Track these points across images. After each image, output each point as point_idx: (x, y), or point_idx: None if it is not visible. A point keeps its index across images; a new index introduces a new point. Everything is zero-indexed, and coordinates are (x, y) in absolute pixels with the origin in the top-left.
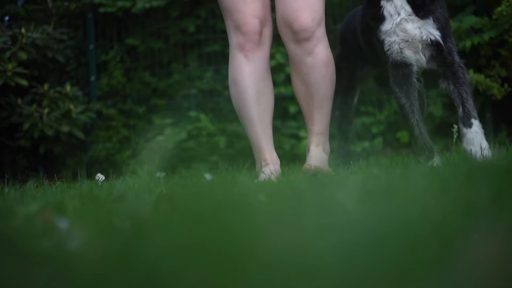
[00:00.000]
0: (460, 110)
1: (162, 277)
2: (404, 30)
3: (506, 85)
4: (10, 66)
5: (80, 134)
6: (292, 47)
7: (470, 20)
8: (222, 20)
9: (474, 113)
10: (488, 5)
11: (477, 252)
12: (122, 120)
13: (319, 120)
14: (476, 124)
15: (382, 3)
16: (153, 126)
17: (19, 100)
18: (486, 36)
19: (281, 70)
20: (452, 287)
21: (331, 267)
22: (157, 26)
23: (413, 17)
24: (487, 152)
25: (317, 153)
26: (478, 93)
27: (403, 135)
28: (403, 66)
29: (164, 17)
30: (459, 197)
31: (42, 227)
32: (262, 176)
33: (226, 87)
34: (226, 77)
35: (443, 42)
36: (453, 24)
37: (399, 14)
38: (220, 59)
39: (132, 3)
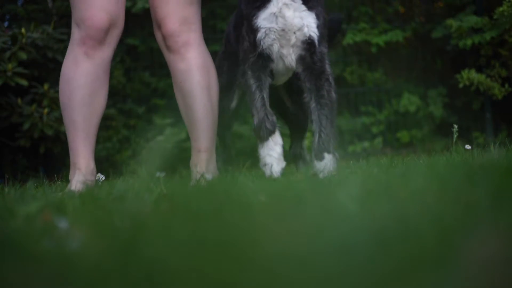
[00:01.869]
0: (316, 138)
1: (162, 277)
2: (283, 16)
3: (506, 85)
4: (10, 66)
5: None
6: (166, 53)
7: (470, 20)
8: (222, 20)
9: (329, 146)
10: (488, 5)
11: (477, 252)
12: (122, 120)
13: (200, 135)
14: (328, 158)
15: None
16: (153, 126)
17: (19, 100)
18: (487, 36)
19: None
20: (452, 286)
21: (331, 266)
22: None
23: (298, 4)
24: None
25: (199, 175)
26: (479, 93)
27: (403, 135)
28: (267, 59)
29: None
30: (459, 197)
31: (42, 227)
32: (69, 186)
33: None
34: None
35: (318, 44)
36: (454, 24)
37: None
38: None
39: (132, 3)
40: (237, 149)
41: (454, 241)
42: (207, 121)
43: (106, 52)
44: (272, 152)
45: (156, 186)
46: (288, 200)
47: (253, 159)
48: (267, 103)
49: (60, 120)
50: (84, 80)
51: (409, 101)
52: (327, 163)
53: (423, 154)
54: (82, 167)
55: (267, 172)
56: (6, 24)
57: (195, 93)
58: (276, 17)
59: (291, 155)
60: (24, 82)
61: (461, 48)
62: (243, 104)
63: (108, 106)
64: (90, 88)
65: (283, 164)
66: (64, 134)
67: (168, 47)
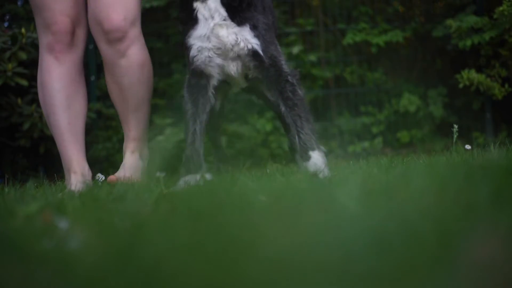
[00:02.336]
0: (296, 140)
1: (162, 277)
2: (217, 36)
3: (506, 85)
4: (10, 66)
5: None
6: (104, 48)
7: (470, 20)
8: None
9: (311, 142)
10: (488, 5)
11: (477, 252)
12: None
13: (135, 125)
14: (314, 156)
15: (195, 5)
16: (153, 126)
17: (19, 100)
18: (487, 36)
19: None
20: (452, 286)
21: (331, 266)
22: (157, 26)
23: (228, 22)
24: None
25: (131, 160)
26: (479, 93)
27: (403, 135)
28: (203, 76)
29: (164, 17)
30: (459, 197)
31: (42, 227)
32: (68, 188)
33: None
34: None
35: (263, 51)
36: (454, 24)
37: (213, 18)
38: None
39: None
40: (237, 149)
41: (454, 241)
42: (142, 112)
43: (75, 54)
44: (185, 182)
45: (156, 186)
46: (288, 200)
47: (253, 159)
48: (198, 138)
49: None
50: (59, 85)
51: (409, 101)
52: (315, 161)
53: (423, 154)
54: (78, 170)
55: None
56: (6, 24)
57: (135, 88)
58: (208, 37)
59: (289, 150)
60: (24, 82)
61: (461, 48)
62: (237, 105)
63: (108, 106)
64: (66, 92)
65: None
66: None
67: (109, 42)
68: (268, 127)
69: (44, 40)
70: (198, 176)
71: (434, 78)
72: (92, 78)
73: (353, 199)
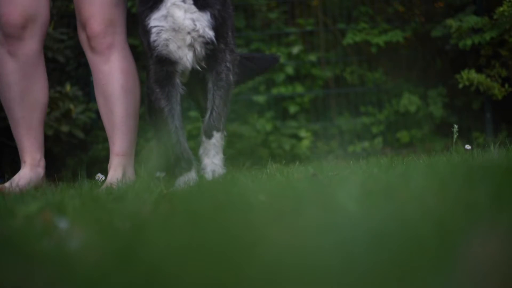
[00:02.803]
0: (207, 115)
1: (162, 277)
2: (172, 16)
3: (506, 85)
4: None
5: (80, 134)
6: (89, 54)
7: (470, 20)
8: None
9: (219, 124)
10: (488, 5)
11: (477, 252)
12: None
13: (119, 139)
14: (217, 137)
15: None
16: None
17: None
18: (487, 36)
19: (281, 70)
20: (452, 287)
21: (331, 267)
22: None
23: (188, 5)
24: (219, 168)
25: (114, 179)
26: (479, 93)
27: (403, 135)
28: (168, 63)
29: None
30: (459, 197)
31: (42, 227)
32: (11, 180)
33: None
34: None
35: (217, 41)
36: (454, 24)
37: None
38: None
39: (132, 3)
40: (237, 149)
41: (454, 241)
42: (128, 125)
43: (28, 47)
44: (185, 182)
45: (156, 186)
46: (288, 200)
47: (253, 159)
48: (181, 134)
49: (60, 120)
50: (12, 78)
51: (409, 101)
52: (215, 142)
53: (423, 154)
54: (28, 160)
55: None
56: None
57: (117, 96)
58: (166, 17)
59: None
60: None
61: (461, 48)
62: (237, 105)
63: None
64: (20, 86)
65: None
66: (64, 134)
67: (92, 48)
68: (268, 127)
69: None
70: (193, 173)
71: (434, 78)
72: (92, 78)
73: (353, 199)
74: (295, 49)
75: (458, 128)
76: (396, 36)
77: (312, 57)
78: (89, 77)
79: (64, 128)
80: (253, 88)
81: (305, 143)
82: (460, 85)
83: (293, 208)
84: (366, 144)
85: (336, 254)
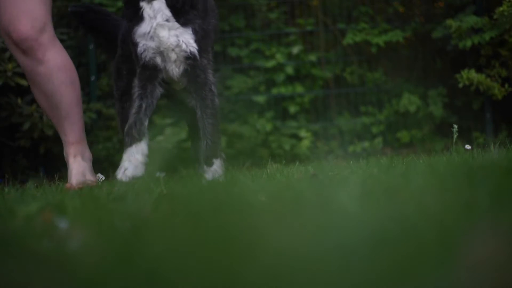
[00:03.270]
0: (204, 145)
1: (162, 277)
2: (158, 37)
3: (506, 85)
4: (10, 66)
5: None
6: (21, 58)
7: (470, 20)
8: (222, 19)
9: (216, 152)
10: (488, 5)
11: (476, 252)
12: None
13: (70, 129)
14: (217, 163)
15: (141, 4)
16: (153, 126)
17: (19, 100)
18: (487, 36)
19: (281, 70)
20: (452, 287)
21: (331, 266)
22: None
23: (172, 23)
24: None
25: (77, 165)
26: (479, 93)
27: (403, 135)
28: (153, 68)
29: None
30: (459, 197)
31: (42, 227)
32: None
33: (226, 87)
34: (226, 77)
35: (200, 56)
36: (454, 24)
37: (156, 18)
38: (220, 59)
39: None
40: (237, 149)
41: (454, 241)
42: (75, 114)
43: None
44: (132, 158)
45: (156, 186)
46: (288, 200)
47: (253, 159)
48: (143, 111)
49: None
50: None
51: (409, 101)
52: (216, 168)
53: (423, 154)
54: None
55: (119, 175)
56: None
57: (61, 93)
58: (151, 36)
59: (191, 155)
60: (24, 82)
61: (461, 48)
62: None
63: (108, 106)
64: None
65: (139, 172)
66: None
67: (23, 52)
68: (268, 127)
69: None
70: (143, 145)
71: (434, 78)
72: (92, 78)
73: (353, 199)
74: (295, 49)
75: (458, 128)
76: (396, 36)
77: (312, 57)
78: (89, 77)
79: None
80: (253, 88)
81: (305, 143)
82: (460, 85)
83: (293, 208)
84: (366, 144)
85: (336, 254)
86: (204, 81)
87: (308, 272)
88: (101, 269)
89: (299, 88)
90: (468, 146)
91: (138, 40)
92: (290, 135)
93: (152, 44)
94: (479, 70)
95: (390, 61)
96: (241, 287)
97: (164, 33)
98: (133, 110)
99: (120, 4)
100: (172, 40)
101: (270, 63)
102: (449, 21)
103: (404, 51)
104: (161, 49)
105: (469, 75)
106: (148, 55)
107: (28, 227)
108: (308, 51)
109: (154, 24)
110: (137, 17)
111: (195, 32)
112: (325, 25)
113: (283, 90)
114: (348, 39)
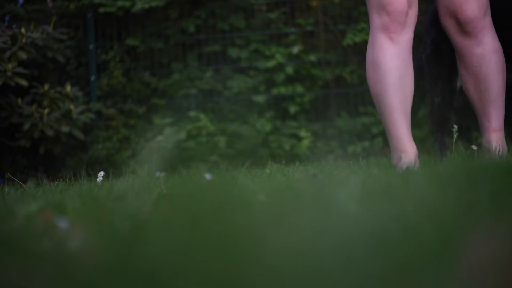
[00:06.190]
0: None
1: (162, 277)
2: None
3: None
4: (10, 66)
5: (80, 135)
6: (459, 39)
7: None
8: (222, 20)
9: None
10: None
11: (477, 252)
12: (122, 120)
13: (495, 115)
14: None
15: None
16: (153, 126)
17: (19, 100)
18: None
19: (281, 70)
20: (452, 287)
21: (331, 267)
22: (157, 26)
23: None
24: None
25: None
26: None
27: None
28: None
29: (164, 17)
30: (459, 197)
31: (42, 227)
32: (401, 166)
33: (226, 87)
34: (226, 77)
35: None
36: None
37: None
38: (220, 59)
39: (131, 3)
40: (237, 149)
41: (454, 241)
42: (501, 101)
43: (408, 35)
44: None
45: (156, 186)
46: (288, 200)
47: (253, 159)
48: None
49: (60, 120)
50: (392, 64)
51: None
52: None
53: (423, 154)
54: (409, 150)
55: None
56: (6, 24)
57: (492, 76)
58: None
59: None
60: (24, 82)
61: None
62: (237, 105)
63: (108, 106)
64: (399, 72)
65: None
66: (64, 134)
67: (465, 33)
68: (268, 127)
69: (378, 20)
70: None
71: None
72: (92, 78)
73: (353, 199)
74: (295, 49)
75: (458, 128)
76: None
77: (312, 57)
78: (89, 77)
79: (64, 129)
80: (253, 88)
81: (305, 143)
82: (460, 84)
83: (293, 208)
84: (366, 144)
85: (336, 255)
86: None
87: (308, 273)
88: (101, 269)
89: (299, 88)
90: (474, 147)
91: None
92: (290, 135)
93: None
94: None
95: None
96: (241, 287)
97: None
98: None
99: (119, 3)
100: None
101: (270, 63)
102: None
103: None
104: None
105: None
106: None
107: (28, 227)
108: (308, 51)
109: None
110: None
111: None
112: (325, 25)
113: (283, 90)
114: (348, 40)
